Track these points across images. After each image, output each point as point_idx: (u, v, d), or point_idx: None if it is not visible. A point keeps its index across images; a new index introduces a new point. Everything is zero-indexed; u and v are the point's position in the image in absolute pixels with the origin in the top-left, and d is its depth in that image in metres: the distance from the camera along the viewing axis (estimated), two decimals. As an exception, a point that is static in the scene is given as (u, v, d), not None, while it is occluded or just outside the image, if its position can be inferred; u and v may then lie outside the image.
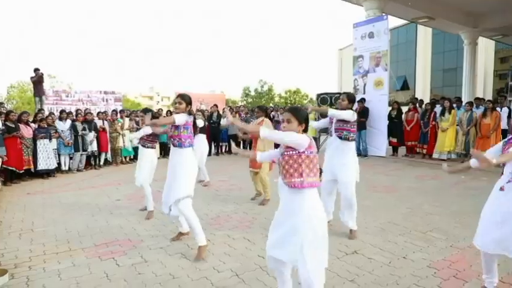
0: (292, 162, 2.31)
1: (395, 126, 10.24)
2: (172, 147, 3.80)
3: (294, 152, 2.31)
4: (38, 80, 11.51)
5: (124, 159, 10.65)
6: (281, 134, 2.35)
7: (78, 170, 9.16)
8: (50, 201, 6.18)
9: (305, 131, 2.42)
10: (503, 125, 8.48)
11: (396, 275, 3.22)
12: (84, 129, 9.20)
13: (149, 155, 5.30)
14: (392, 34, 22.73)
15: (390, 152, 10.67)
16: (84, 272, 3.40)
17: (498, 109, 8.89)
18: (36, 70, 11.48)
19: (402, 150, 10.62)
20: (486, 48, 16.87)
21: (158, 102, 64.35)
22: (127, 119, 10.66)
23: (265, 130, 2.37)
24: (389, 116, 10.37)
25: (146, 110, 5.13)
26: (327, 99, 11.58)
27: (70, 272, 3.42)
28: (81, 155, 9.20)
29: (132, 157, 10.74)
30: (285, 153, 2.34)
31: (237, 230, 4.48)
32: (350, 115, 4.01)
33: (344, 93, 4.36)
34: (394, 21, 19.51)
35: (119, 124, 10.35)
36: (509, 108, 8.97)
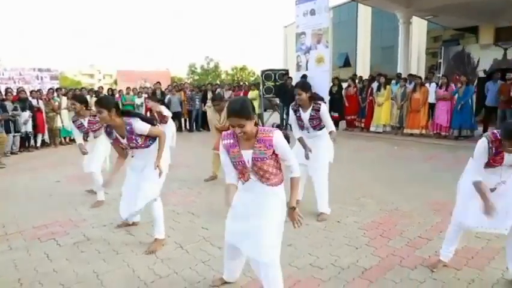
0: (266, 166, 2.21)
1: (335, 101, 10.73)
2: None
3: (267, 157, 2.19)
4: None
5: (63, 140, 10.10)
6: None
7: (12, 153, 8.55)
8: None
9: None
10: (431, 99, 9.24)
11: (330, 237, 3.54)
12: (15, 108, 8.53)
13: (104, 139, 4.67)
14: (334, 12, 23.27)
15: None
16: (23, 255, 3.32)
17: (427, 85, 9.66)
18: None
19: (342, 124, 11.21)
20: (419, 27, 18.02)
21: (100, 80, 60.79)
22: (64, 98, 10.03)
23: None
24: (330, 92, 10.82)
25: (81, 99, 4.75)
26: (271, 76, 11.78)
27: (7, 255, 3.32)
28: (14, 136, 8.57)
29: (72, 138, 10.21)
30: (257, 157, 2.18)
31: (180, 206, 4.56)
32: (327, 112, 3.94)
33: (296, 85, 4.17)
34: (336, 0, 20.06)
35: (56, 103, 9.73)
36: (436, 83, 9.77)
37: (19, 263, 3.16)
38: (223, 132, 2.32)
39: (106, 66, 61.34)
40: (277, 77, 11.87)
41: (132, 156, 3.43)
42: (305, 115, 3.97)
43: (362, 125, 10.46)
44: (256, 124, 2.21)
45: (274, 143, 2.17)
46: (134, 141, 3.22)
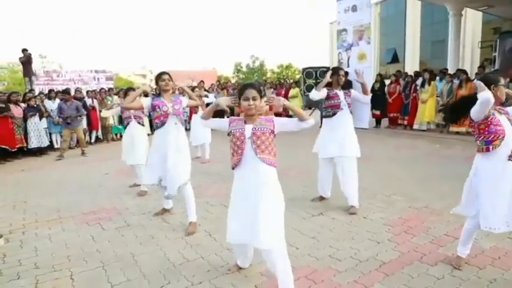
0: (264, 138, 2.40)
1: (377, 98, 10.44)
2: (174, 125, 3.70)
3: (266, 129, 2.41)
4: (26, 61, 11.61)
5: (114, 136, 10.90)
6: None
7: (70, 148, 9.41)
8: (42, 177, 6.49)
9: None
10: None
11: (354, 231, 3.59)
12: (73, 107, 9.38)
13: (142, 133, 5.25)
14: (381, 6, 22.59)
15: (374, 124, 10.98)
16: (73, 236, 3.75)
17: (475, 81, 9.15)
18: (24, 50, 11.54)
19: (385, 122, 10.93)
20: (474, 19, 16.92)
21: (151, 79, 63.86)
22: (115, 97, 10.83)
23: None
24: (372, 89, 10.58)
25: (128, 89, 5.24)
26: (312, 74, 11.75)
27: (60, 236, 3.77)
28: (71, 133, 9.42)
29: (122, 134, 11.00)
30: (258, 128, 2.40)
31: (215, 198, 4.82)
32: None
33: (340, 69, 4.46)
34: (384, -7, 19.37)
35: (109, 102, 10.53)
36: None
37: (69, 242, 3.59)
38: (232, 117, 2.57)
39: (157, 67, 64.25)
40: (318, 75, 11.81)
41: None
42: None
43: (405, 122, 10.13)
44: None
45: (274, 119, 2.47)
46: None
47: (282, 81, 14.95)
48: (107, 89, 11.23)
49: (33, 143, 8.28)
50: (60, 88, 13.19)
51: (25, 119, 8.21)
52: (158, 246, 3.42)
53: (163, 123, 3.68)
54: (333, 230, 3.63)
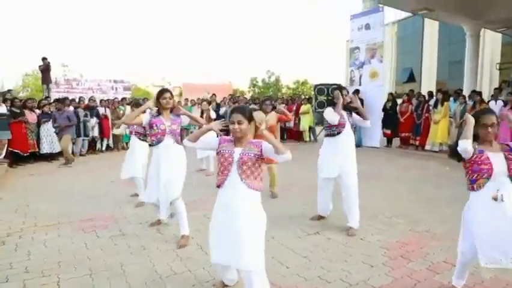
0: (250, 163, 2.39)
1: (389, 117, 10.36)
2: (170, 144, 3.70)
3: (254, 155, 2.40)
4: (45, 69, 11.98)
5: (125, 145, 11.04)
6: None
7: (81, 155, 9.60)
8: (49, 182, 6.61)
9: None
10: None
11: (348, 253, 3.49)
12: (86, 115, 9.62)
13: (143, 146, 5.21)
14: (399, 26, 22.53)
15: (385, 143, 10.82)
16: (67, 242, 3.77)
17: (492, 102, 8.95)
18: (44, 59, 11.94)
19: (396, 141, 10.75)
20: (493, 40, 16.65)
21: (180, 92, 64.89)
22: (128, 107, 11.03)
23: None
24: (384, 108, 10.48)
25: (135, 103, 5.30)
26: (323, 90, 11.73)
27: (55, 241, 3.80)
28: (83, 140, 9.63)
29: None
30: (246, 153, 2.40)
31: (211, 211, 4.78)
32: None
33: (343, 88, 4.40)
34: (401, 13, 19.32)
35: (121, 112, 10.74)
36: (504, 101, 8.98)
37: (62, 248, 3.61)
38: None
39: (175, 79, 65.32)
40: (330, 92, 11.78)
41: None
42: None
43: (417, 142, 9.93)
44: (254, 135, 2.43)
45: (262, 144, 2.40)
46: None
47: (295, 97, 14.94)
48: (120, 99, 11.44)
49: (45, 149, 8.48)
50: (79, 96, 13.55)
51: (38, 125, 8.43)
52: (148, 258, 3.40)
53: (159, 141, 3.68)
54: (326, 251, 3.54)
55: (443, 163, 8.24)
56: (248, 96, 27.41)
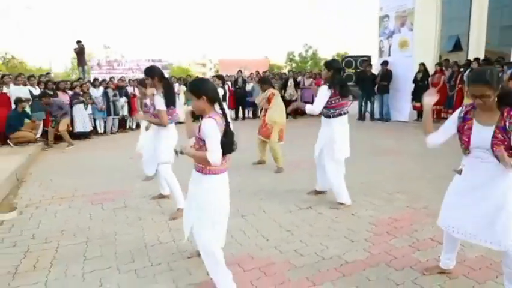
0: (197, 146, 2.34)
1: (420, 89, 9.76)
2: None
3: (198, 137, 2.33)
4: (80, 51, 12.60)
5: (154, 123, 11.49)
6: None
7: (111, 133, 10.16)
8: (76, 159, 7.11)
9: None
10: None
11: (333, 228, 3.48)
12: (115, 95, 10.09)
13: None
14: (444, -10, 20.68)
15: (415, 117, 10.29)
16: (75, 213, 4.11)
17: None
18: (78, 42, 12.55)
19: (428, 115, 10.17)
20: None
21: (210, 69, 65.70)
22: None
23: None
24: (415, 79, 9.90)
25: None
26: (351, 63, 11.30)
27: (65, 212, 4.15)
28: (113, 118, 10.15)
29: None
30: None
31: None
32: (320, 93, 3.87)
33: (325, 62, 4.16)
34: (445, -26, 17.64)
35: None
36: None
37: (69, 219, 3.94)
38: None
39: (216, 56, 65.61)
40: (358, 64, 11.33)
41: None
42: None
43: (449, 115, 9.31)
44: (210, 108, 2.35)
45: (201, 127, 2.28)
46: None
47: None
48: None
49: (78, 128, 9.06)
50: (120, 76, 14.09)
51: (71, 106, 9.00)
52: (141, 228, 3.63)
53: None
54: (312, 225, 3.55)
55: (472, 137, 7.74)
56: (286, 70, 27.02)
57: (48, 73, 10.06)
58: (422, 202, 4.04)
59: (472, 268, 2.70)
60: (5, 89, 7.72)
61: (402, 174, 5.21)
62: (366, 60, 11.15)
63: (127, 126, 10.85)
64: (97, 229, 3.64)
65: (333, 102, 3.91)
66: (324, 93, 3.86)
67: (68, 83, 9.41)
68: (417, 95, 9.89)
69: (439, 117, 9.70)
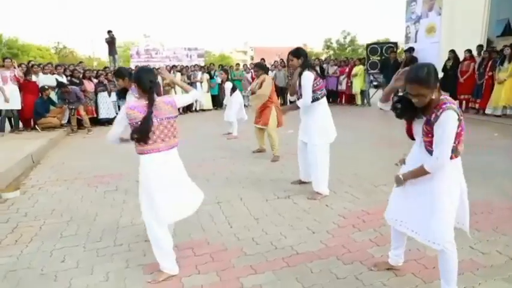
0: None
1: (448, 78, 9.19)
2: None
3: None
4: (110, 41, 13.17)
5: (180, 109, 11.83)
6: None
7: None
8: (93, 144, 7.54)
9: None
10: None
11: (301, 218, 3.47)
12: (139, 83, 10.48)
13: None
14: (492, -32, 18.92)
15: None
16: (70, 194, 4.42)
17: None
18: (109, 32, 13.14)
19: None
20: None
21: (252, 56, 65.77)
22: (178, 74, 11.68)
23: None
24: (444, 67, 9.30)
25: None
26: (377, 50, 10.84)
27: (62, 193, 4.48)
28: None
29: (185, 109, 11.92)
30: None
31: (208, 173, 5.05)
32: (307, 81, 3.75)
33: (290, 52, 3.97)
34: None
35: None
36: None
37: (64, 199, 4.25)
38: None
39: (257, 43, 65.41)
40: (383, 51, 10.84)
41: None
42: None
43: (477, 105, 8.72)
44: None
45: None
46: None
47: (349, 58, 14.02)
48: (171, 66, 12.18)
49: (102, 114, 9.58)
50: (158, 65, 14.60)
51: (96, 93, 9.51)
52: (121, 210, 3.84)
53: None
54: (281, 215, 3.56)
55: (494, 129, 7.20)
56: (323, 57, 26.41)
57: (80, 62, 10.70)
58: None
59: (425, 266, 2.59)
60: (34, 78, 8.32)
61: (395, 166, 5.00)
62: (392, 47, 10.62)
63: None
64: (83, 210, 3.90)
65: (315, 85, 3.85)
66: (308, 80, 3.77)
67: (94, 71, 9.93)
68: (445, 85, 9.29)
69: (467, 107, 9.09)
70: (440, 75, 9.30)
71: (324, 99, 3.94)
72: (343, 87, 12.02)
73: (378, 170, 4.84)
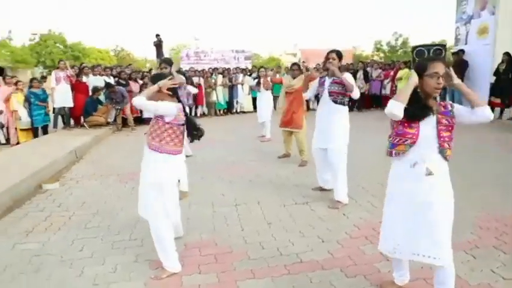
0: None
1: (502, 82, 8.45)
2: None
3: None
4: (158, 44, 13.80)
5: (218, 112, 12.11)
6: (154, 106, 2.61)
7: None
8: (136, 141, 7.94)
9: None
10: None
11: (313, 225, 3.40)
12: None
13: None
14: None
15: (497, 115, 8.94)
16: (102, 189, 4.72)
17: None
18: (157, 35, 13.78)
19: (510, 112, 8.76)
20: None
21: (300, 59, 65.40)
22: (220, 76, 11.94)
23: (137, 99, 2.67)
24: (496, 71, 8.59)
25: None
26: (423, 52, 10.28)
27: (95, 187, 4.79)
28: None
29: (226, 110, 12.17)
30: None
31: (233, 176, 5.12)
32: (351, 80, 3.85)
33: (332, 51, 3.93)
34: None
35: (213, 81, 11.71)
36: None
37: (96, 192, 4.55)
38: None
39: (307, 45, 64.80)
40: (430, 53, 10.24)
41: None
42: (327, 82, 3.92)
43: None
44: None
45: None
46: None
47: (396, 61, 13.38)
48: (212, 69, 12.47)
49: (146, 114, 10.04)
50: (207, 67, 15.04)
51: (141, 93, 9.99)
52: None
53: None
54: (295, 221, 3.52)
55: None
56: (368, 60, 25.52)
57: (130, 64, 11.37)
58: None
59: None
60: (84, 79, 8.98)
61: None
62: (439, 49, 10.02)
63: (192, 114, 11.62)
64: (110, 204, 4.15)
65: (335, 89, 3.84)
66: (352, 79, 3.91)
67: (140, 73, 10.48)
68: (497, 90, 8.60)
69: (523, 115, 8.31)
70: (492, 79, 8.64)
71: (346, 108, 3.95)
72: (387, 91, 11.54)
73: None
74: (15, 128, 7.81)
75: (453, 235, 2.96)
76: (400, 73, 11.06)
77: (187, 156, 6.06)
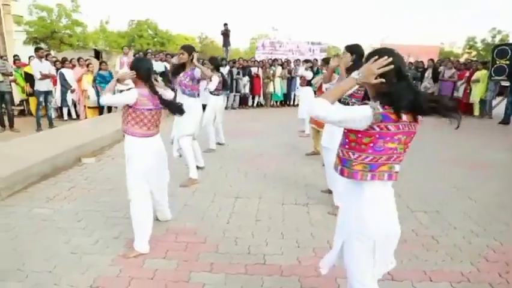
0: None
1: None
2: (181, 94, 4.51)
3: None
4: (225, 33, 14.18)
5: (274, 103, 12.11)
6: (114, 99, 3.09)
7: (232, 108, 11.30)
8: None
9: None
10: None
11: (300, 229, 3.29)
12: (238, 73, 11.10)
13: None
14: None
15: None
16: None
17: None
18: (225, 25, 14.15)
19: None
20: None
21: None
22: (279, 67, 11.88)
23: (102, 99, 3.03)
24: None
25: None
26: (507, 52, 9.00)
27: (124, 165, 5.17)
28: (234, 95, 11.24)
29: (282, 102, 12.12)
30: None
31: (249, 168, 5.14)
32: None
33: (346, 46, 3.67)
34: None
35: (271, 72, 11.71)
36: None
37: (122, 171, 4.92)
38: None
39: (397, 39, 60.89)
40: (515, 54, 8.91)
41: None
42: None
43: None
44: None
45: None
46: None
47: (473, 62, 11.81)
48: (272, 60, 12.44)
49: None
50: (282, 57, 15.11)
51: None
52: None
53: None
54: (284, 221, 3.45)
55: None
56: (463, 59, 23.10)
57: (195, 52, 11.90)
58: (434, 214, 3.28)
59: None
60: (147, 64, 9.68)
61: (452, 190, 4.24)
62: (526, 49, 8.64)
63: (248, 104, 11.80)
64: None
65: (358, 92, 3.55)
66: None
67: (201, 60, 10.94)
68: None
69: None
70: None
71: None
72: (459, 93, 10.36)
73: (431, 193, 4.14)
74: (84, 106, 8.79)
75: (449, 261, 2.69)
76: (477, 75, 9.85)
77: (219, 144, 6.29)
